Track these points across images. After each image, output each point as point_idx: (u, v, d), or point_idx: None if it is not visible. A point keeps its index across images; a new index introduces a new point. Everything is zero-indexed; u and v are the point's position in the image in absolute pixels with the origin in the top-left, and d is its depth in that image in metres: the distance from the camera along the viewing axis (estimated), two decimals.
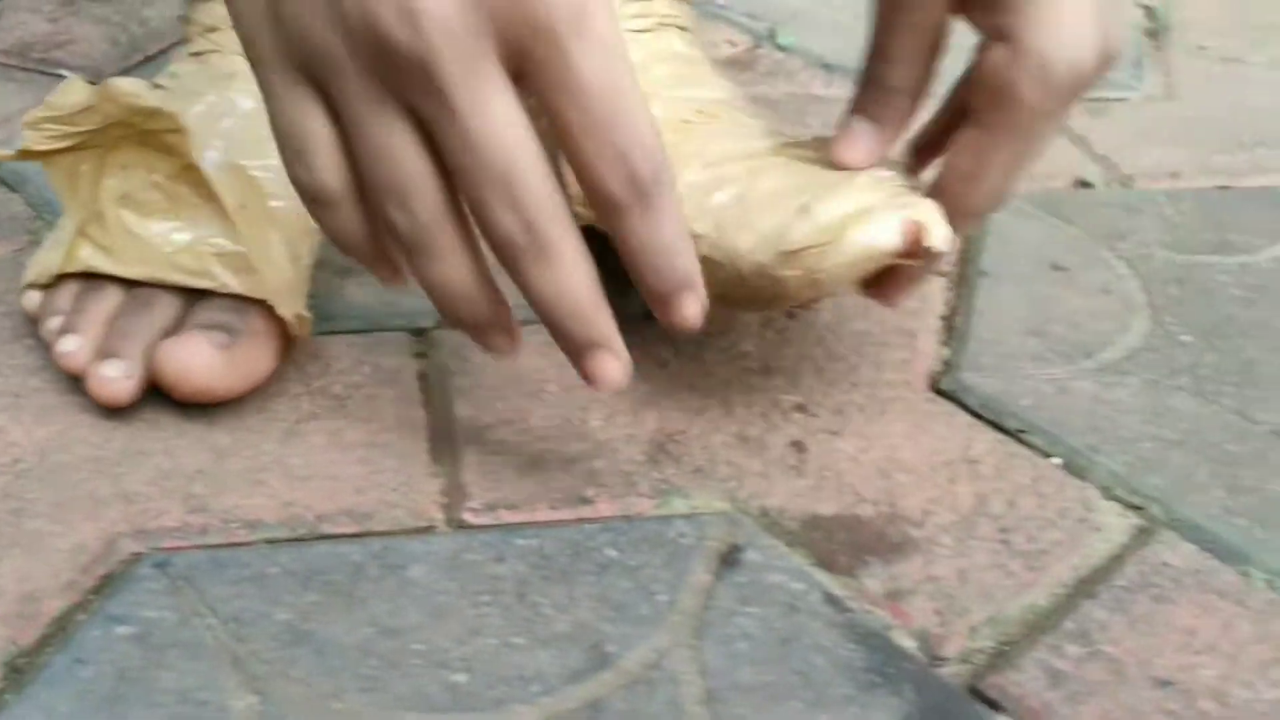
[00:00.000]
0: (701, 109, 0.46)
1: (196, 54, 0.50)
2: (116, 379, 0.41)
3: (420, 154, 0.31)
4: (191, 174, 0.44)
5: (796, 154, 0.43)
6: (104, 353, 0.41)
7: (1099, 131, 0.66)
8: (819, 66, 0.70)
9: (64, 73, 0.63)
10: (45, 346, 0.44)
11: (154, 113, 0.42)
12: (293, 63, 0.30)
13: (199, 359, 0.41)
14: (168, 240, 0.44)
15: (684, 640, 0.36)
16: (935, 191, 0.39)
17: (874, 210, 0.38)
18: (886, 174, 0.41)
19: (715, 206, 0.41)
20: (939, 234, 0.38)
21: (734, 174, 0.42)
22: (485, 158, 0.30)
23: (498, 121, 0.29)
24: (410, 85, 0.29)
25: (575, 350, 0.35)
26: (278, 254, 0.44)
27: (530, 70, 0.30)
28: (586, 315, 0.33)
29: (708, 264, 0.40)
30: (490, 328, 0.36)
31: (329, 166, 0.32)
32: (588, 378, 0.36)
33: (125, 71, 0.64)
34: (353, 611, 0.36)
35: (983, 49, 0.37)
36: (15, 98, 0.61)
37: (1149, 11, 0.81)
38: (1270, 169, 0.63)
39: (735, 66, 0.70)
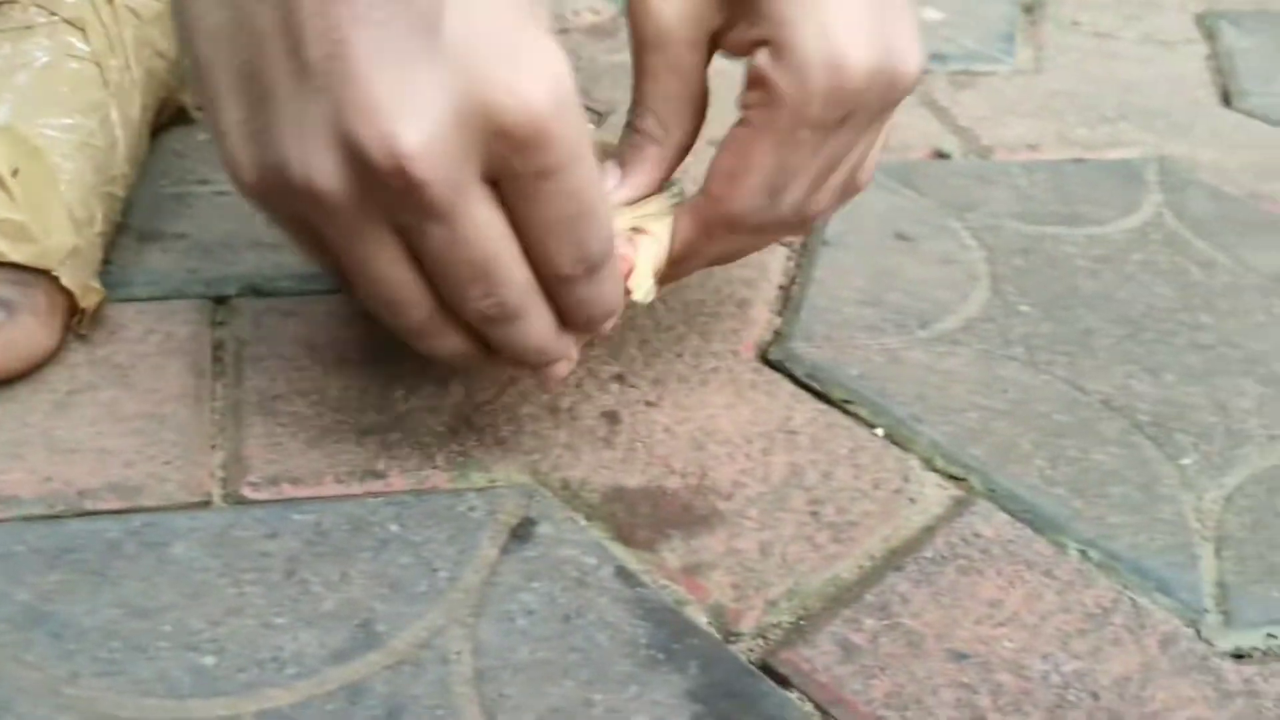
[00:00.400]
0: None
1: None
2: None
3: (405, 262, 0.32)
4: None
5: None
6: None
7: (963, 104, 0.65)
8: None
9: None
10: None
11: None
12: (273, 193, 0.31)
13: None
14: None
15: (460, 618, 0.34)
16: (701, 191, 0.37)
17: None
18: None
19: None
20: (643, 285, 0.37)
21: None
22: (466, 257, 0.31)
23: (479, 227, 0.31)
24: (397, 208, 0.30)
25: (533, 368, 0.36)
26: (60, 220, 0.41)
27: (504, 178, 0.31)
28: (550, 350, 0.35)
29: None
30: (559, 361, 0.36)
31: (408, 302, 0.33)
32: (542, 380, 0.37)
33: None
34: (100, 591, 0.34)
35: (750, 60, 0.35)
36: None
37: None
38: (1128, 142, 0.63)
39: (597, 34, 0.68)
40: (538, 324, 0.33)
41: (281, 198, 0.31)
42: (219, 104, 0.30)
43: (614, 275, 0.34)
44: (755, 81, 0.34)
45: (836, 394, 0.44)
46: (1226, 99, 0.68)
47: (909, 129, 0.62)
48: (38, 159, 0.42)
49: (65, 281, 0.41)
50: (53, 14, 0.47)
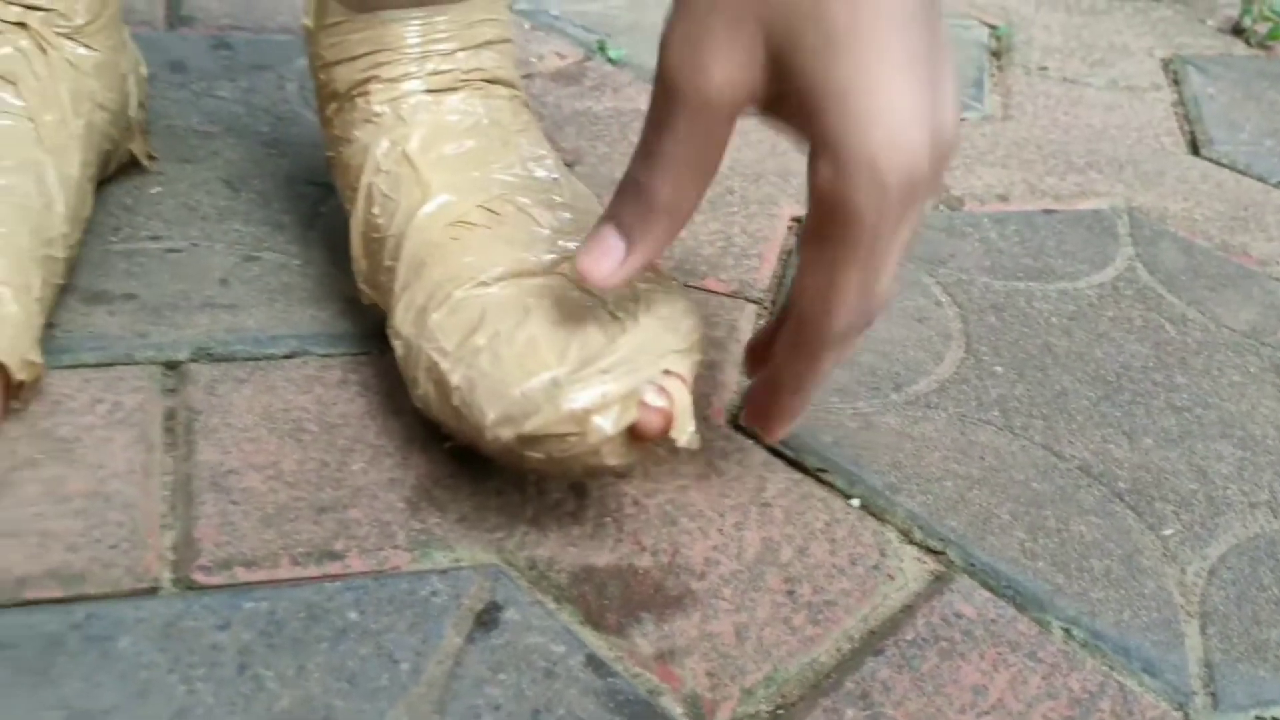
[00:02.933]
0: (489, 203, 0.41)
1: None
2: None
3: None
4: None
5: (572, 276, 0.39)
6: None
7: None
8: (647, 80, 0.67)
9: None
10: None
11: None
12: None
13: None
14: None
15: (423, 715, 0.33)
16: (792, 316, 0.34)
17: (624, 399, 0.35)
18: (648, 337, 0.37)
19: (469, 354, 0.37)
20: (687, 430, 0.36)
21: (499, 305, 0.38)
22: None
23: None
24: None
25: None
26: None
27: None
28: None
29: (459, 417, 0.37)
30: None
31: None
32: None
33: None
34: (39, 691, 0.32)
35: (810, 161, 0.32)
36: None
37: (993, 31, 0.80)
38: (1098, 192, 0.62)
39: (562, 80, 0.67)
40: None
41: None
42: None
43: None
44: (824, 196, 0.31)
45: (810, 463, 0.43)
46: (1194, 147, 0.68)
47: None
48: None
49: (2, 357, 0.39)
50: None
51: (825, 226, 0.32)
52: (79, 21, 0.46)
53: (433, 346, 0.38)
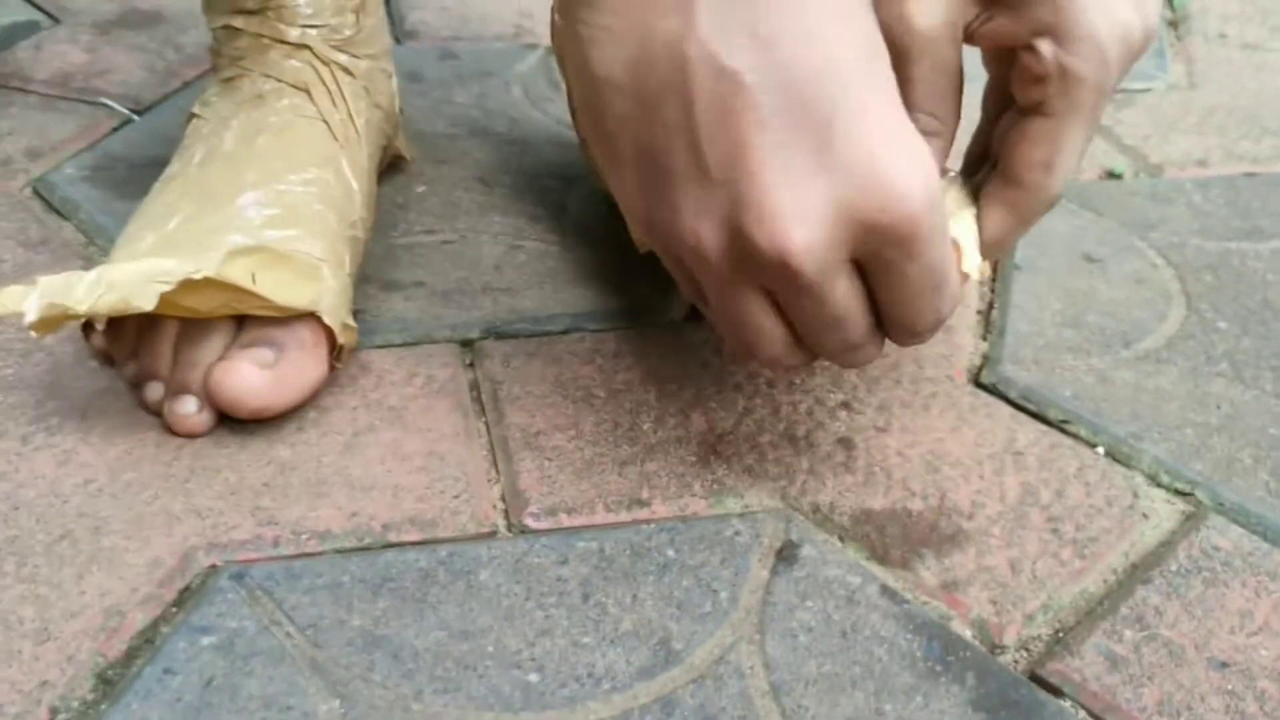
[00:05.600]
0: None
1: (226, 79, 0.52)
2: (191, 415, 0.43)
3: (769, 310, 0.36)
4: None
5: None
6: (175, 388, 0.43)
7: (1126, 122, 0.67)
8: None
9: (105, 101, 0.64)
10: (131, 388, 0.45)
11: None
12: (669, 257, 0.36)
13: (247, 382, 0.42)
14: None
15: (747, 635, 0.37)
16: (1012, 185, 0.39)
17: None
18: None
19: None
20: (974, 263, 0.39)
21: None
22: (827, 316, 0.35)
23: (841, 298, 0.34)
24: (770, 282, 0.34)
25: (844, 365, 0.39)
26: (313, 266, 0.45)
27: (872, 261, 0.34)
28: (871, 357, 0.38)
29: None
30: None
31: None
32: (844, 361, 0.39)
33: (164, 98, 0.65)
34: (425, 616, 0.37)
35: (1027, 48, 0.37)
36: (58, 127, 0.62)
37: (1168, 2, 0.81)
38: None
39: None
40: (872, 350, 0.37)
41: (666, 245, 0.35)
42: (620, 167, 0.34)
43: (953, 308, 0.37)
44: (1051, 72, 0.36)
45: (1053, 415, 0.46)
46: None
47: None
48: (267, 252, 0.43)
49: (326, 319, 0.44)
50: (279, 81, 0.51)
51: (1052, 101, 0.37)
52: (348, 34, 0.53)
53: None
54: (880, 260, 0.33)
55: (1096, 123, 0.38)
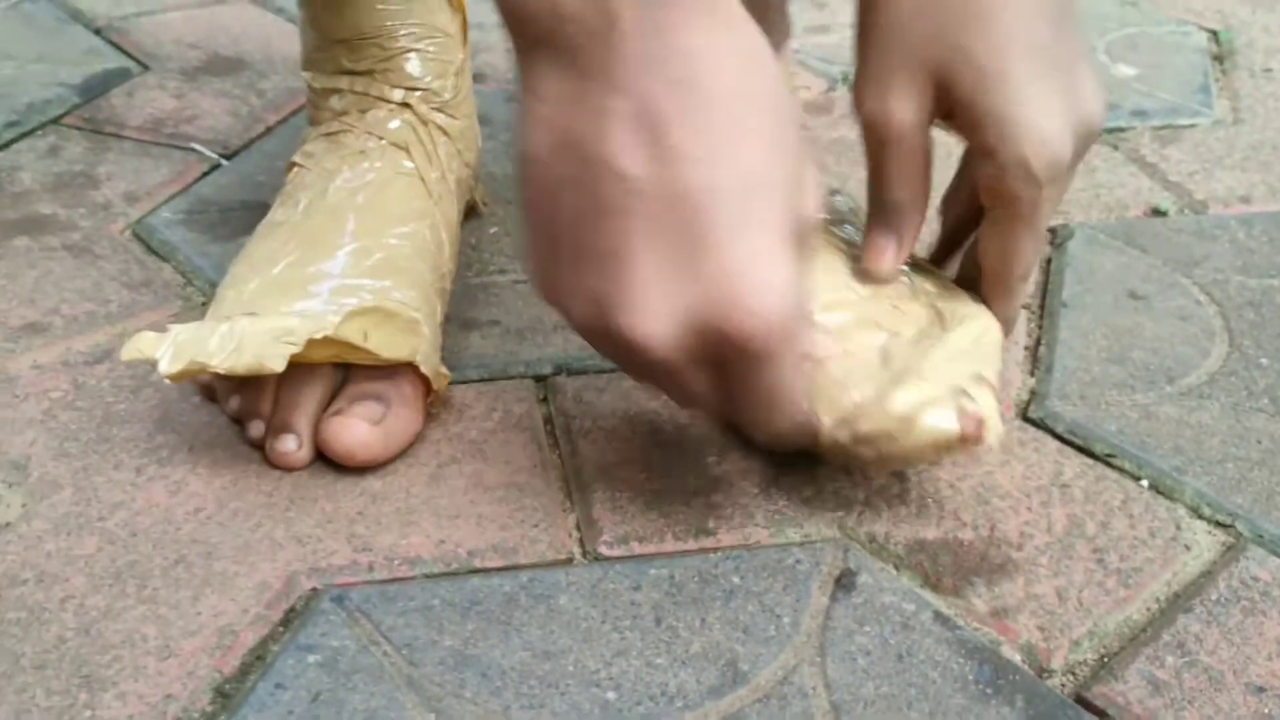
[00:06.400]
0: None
1: (329, 134, 0.55)
2: (291, 452, 0.46)
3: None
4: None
5: (875, 300, 0.46)
6: (278, 427, 0.47)
7: (1171, 159, 0.69)
8: None
9: (196, 146, 0.68)
10: (233, 422, 0.49)
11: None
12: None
13: (359, 438, 0.46)
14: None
15: (809, 657, 0.40)
16: (984, 281, 0.46)
17: (940, 401, 0.42)
18: (951, 356, 0.44)
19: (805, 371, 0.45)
20: (996, 430, 0.42)
21: (834, 328, 0.45)
22: (690, 396, 0.40)
23: (697, 386, 0.39)
24: (623, 360, 0.39)
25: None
26: (412, 321, 0.48)
27: (723, 368, 0.38)
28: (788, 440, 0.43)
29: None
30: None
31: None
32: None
33: (249, 143, 0.69)
34: (510, 638, 0.40)
35: (974, 164, 0.43)
36: (152, 172, 0.67)
37: (1214, 36, 0.83)
38: None
39: (812, 109, 0.74)
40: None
41: (550, 305, 0.39)
42: (528, 229, 0.38)
43: (793, 430, 0.41)
44: (990, 190, 0.43)
45: (1099, 449, 0.49)
46: None
47: (1122, 187, 0.67)
48: (380, 313, 0.47)
49: (423, 370, 0.48)
50: (380, 138, 0.54)
51: (995, 212, 0.43)
52: (447, 97, 0.56)
53: None
54: (727, 366, 0.37)
55: (1041, 221, 0.43)
